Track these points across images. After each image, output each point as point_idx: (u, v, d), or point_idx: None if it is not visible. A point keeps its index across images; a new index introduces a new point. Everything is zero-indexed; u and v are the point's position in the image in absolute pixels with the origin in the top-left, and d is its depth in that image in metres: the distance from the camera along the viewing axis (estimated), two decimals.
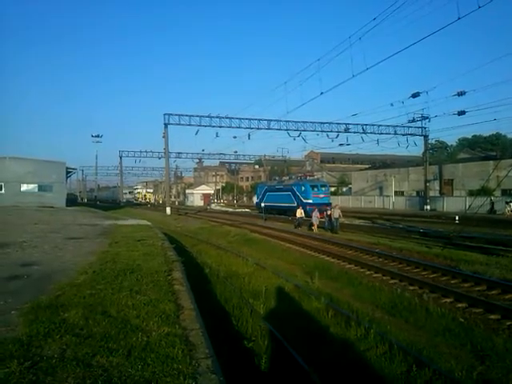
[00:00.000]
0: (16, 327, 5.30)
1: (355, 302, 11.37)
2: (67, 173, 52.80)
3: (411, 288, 12.79)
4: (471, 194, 44.78)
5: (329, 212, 29.41)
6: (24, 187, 47.98)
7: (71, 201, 66.10)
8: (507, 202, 37.71)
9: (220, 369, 4.36)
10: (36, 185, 48.39)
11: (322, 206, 35.35)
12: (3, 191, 46.79)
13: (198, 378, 4.02)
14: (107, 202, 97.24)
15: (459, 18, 15.84)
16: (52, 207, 43.28)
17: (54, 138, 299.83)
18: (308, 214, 37.32)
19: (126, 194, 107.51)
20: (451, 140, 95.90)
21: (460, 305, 10.87)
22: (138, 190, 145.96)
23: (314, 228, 29.07)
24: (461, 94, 39.32)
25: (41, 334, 4.95)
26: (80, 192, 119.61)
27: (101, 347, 4.61)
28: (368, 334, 8.30)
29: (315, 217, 29.26)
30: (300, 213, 32.49)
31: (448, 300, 11.33)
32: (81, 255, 11.70)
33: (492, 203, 39.88)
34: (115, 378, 3.89)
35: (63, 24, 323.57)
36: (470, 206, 28.85)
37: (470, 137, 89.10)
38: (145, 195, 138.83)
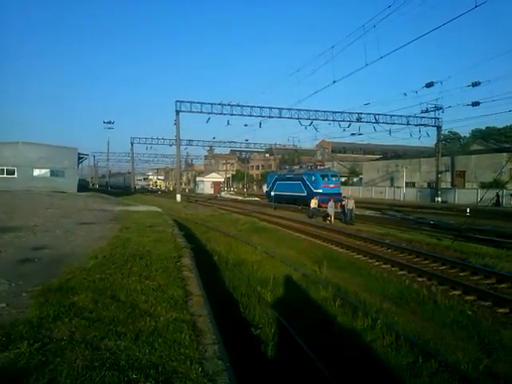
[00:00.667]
0: (26, 309, 5.38)
1: (363, 292, 11.37)
2: (79, 159, 53.08)
3: (420, 280, 12.76)
4: (483, 186, 44.30)
5: (343, 202, 28.60)
6: (36, 172, 48.40)
7: (83, 186, 66.57)
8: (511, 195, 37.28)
9: (227, 355, 4.41)
10: (48, 170, 48.78)
11: (334, 197, 35.31)
12: (16, 176, 47.23)
13: (204, 363, 4.06)
14: (119, 188, 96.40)
15: (476, 7, 15.54)
16: (64, 192, 43.60)
17: (67, 124, 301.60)
18: (318, 204, 37.31)
19: (140, 180, 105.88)
20: (464, 131, 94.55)
21: (468, 297, 10.83)
22: (150, 177, 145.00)
23: (330, 219, 28.16)
24: (475, 84, 38.76)
25: (50, 317, 5.03)
26: (92, 178, 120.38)
27: (109, 331, 4.67)
28: (375, 325, 8.31)
29: (331, 207, 28.38)
30: (314, 203, 31.50)
31: (457, 292, 11.29)
32: (91, 240, 11.81)
33: (497, 196, 39.49)
34: (122, 361, 3.94)
35: (77, 10, 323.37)
36: (481, 199, 28.55)
37: (483, 128, 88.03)
38: (155, 182, 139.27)
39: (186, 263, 9.07)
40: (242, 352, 6.63)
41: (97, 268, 7.86)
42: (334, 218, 28.19)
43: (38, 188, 44.08)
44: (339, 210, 28.84)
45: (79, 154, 52.25)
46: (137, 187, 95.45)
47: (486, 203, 25.62)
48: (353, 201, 27.88)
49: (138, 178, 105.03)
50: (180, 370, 3.85)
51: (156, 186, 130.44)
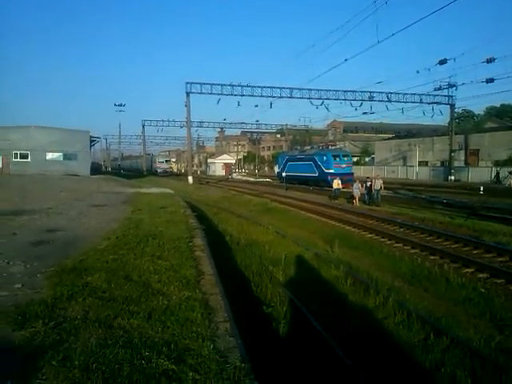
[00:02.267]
0: (41, 289, 5.48)
1: (375, 271, 11.35)
2: (91, 142, 53.39)
3: (432, 258, 12.72)
4: (497, 164, 43.75)
5: (369, 183, 26.83)
6: (49, 156, 48.85)
7: (95, 169, 67.08)
8: (510, 173, 36.77)
9: (238, 332, 4.46)
10: (61, 153, 49.21)
11: (345, 176, 35.12)
12: (29, 159, 47.73)
13: (216, 340, 4.12)
14: (131, 171, 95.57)
15: None
16: (77, 175, 44.03)
17: (78, 108, 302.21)
18: (329, 184, 37.18)
19: (161, 162, 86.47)
20: (478, 109, 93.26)
21: (481, 275, 10.77)
22: (172, 160, 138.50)
23: (355, 201, 26.54)
24: (490, 60, 37.88)
25: (65, 297, 5.12)
26: (104, 161, 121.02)
27: (122, 310, 4.75)
28: (386, 303, 8.32)
29: (357, 189, 26.59)
30: (337, 183, 29.70)
31: (469, 270, 11.24)
32: (104, 222, 11.94)
33: (497, 173, 39.07)
34: (135, 339, 4.01)
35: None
36: (495, 177, 28.23)
37: (498, 106, 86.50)
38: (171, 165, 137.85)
39: (198, 243, 9.14)
40: (254, 330, 6.70)
41: (110, 249, 7.96)
42: (359, 200, 26.76)
43: (52, 171, 44.54)
44: (365, 191, 27.00)
45: (91, 137, 52.53)
46: (158, 171, 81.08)
47: (504, 181, 25.31)
48: (381, 181, 26.51)
49: (160, 160, 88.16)
50: (192, 348, 3.91)
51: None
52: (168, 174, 79.31)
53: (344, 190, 30.68)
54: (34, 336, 4.01)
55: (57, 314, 4.60)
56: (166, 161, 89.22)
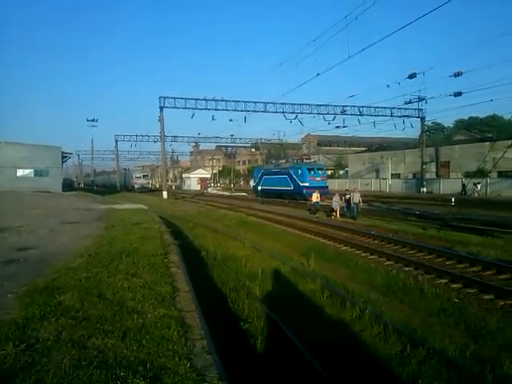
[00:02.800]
0: (12, 310, 5.32)
1: (351, 283, 11.44)
2: (63, 157, 52.53)
3: (406, 269, 12.88)
4: (468, 175, 44.80)
5: (347, 196, 26.65)
6: (20, 172, 47.76)
7: (68, 186, 65.96)
8: (475, 184, 37.89)
9: (215, 349, 4.41)
10: (32, 170, 48.18)
11: (320, 189, 35.45)
12: None
13: (193, 358, 4.06)
14: (104, 187, 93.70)
15: None
16: (48, 192, 43.14)
17: (49, 123, 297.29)
18: (304, 197, 37.48)
19: (139, 178, 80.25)
20: (448, 122, 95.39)
21: (455, 285, 10.96)
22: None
23: (336, 215, 26.33)
24: (457, 74, 39.05)
25: (36, 317, 4.98)
26: (76, 177, 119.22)
27: (96, 329, 4.64)
28: (363, 315, 8.37)
29: (336, 202, 26.44)
30: (316, 197, 28.82)
31: (443, 281, 11.41)
32: (77, 239, 11.72)
33: (463, 185, 40.40)
34: (110, 359, 3.92)
35: (62, 8, 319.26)
36: (462, 189, 28.87)
37: (466, 118, 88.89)
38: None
39: (173, 260, 9.04)
40: (231, 346, 6.64)
41: (83, 267, 7.80)
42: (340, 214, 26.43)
43: (22, 188, 43.49)
44: (344, 204, 26.82)
45: (63, 152, 51.68)
46: (136, 186, 76.42)
47: (469, 193, 25.90)
48: (358, 194, 26.42)
49: (137, 175, 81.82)
50: (168, 366, 3.84)
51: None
52: (146, 189, 75.00)
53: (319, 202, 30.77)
54: (3, 359, 3.87)
55: (28, 335, 4.47)
56: (144, 176, 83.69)
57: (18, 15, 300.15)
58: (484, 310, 9.13)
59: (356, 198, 25.69)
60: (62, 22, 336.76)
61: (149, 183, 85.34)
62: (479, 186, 38.86)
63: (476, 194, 37.67)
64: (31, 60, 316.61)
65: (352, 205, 25.81)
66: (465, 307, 9.26)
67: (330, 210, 27.56)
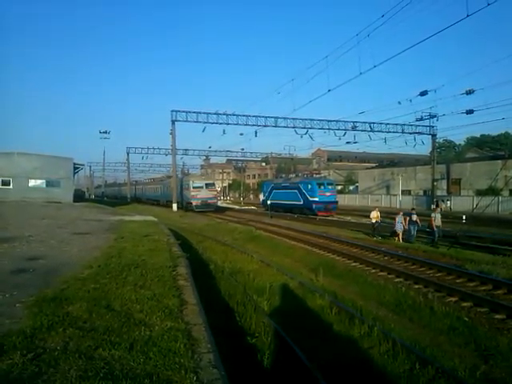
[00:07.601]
0: (20, 320, 5.34)
1: (359, 299, 11.35)
2: (75, 169, 52.97)
3: (416, 287, 12.74)
4: (479, 193, 44.46)
5: (414, 217, 22.00)
6: (32, 182, 48.24)
7: (79, 197, 66.37)
8: (443, 200, 38.33)
9: (221, 363, 4.38)
10: (44, 180, 48.64)
11: (330, 204, 35.55)
12: (11, 186, 47.06)
13: (199, 371, 4.04)
14: (116, 198, 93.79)
15: (468, 16, 15.64)
16: (59, 203, 43.49)
17: (62, 135, 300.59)
18: (314, 212, 37.50)
19: (200, 188, 49.54)
20: (459, 139, 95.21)
21: (465, 304, 10.82)
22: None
23: (398, 239, 22.37)
24: (469, 92, 38.87)
25: (44, 327, 5.00)
26: (87, 188, 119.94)
27: (103, 340, 4.65)
28: (372, 332, 8.29)
29: (400, 223, 22.35)
30: (376, 216, 24.62)
31: (453, 299, 11.28)
32: (86, 250, 11.76)
33: (436, 202, 42.04)
34: (117, 370, 3.91)
35: (72, 18, 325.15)
36: (477, 206, 28.61)
37: (478, 136, 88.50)
38: None
39: (181, 272, 9.03)
40: (238, 360, 6.59)
41: (91, 278, 7.82)
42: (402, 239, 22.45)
43: (34, 198, 43.94)
44: (411, 226, 22.05)
45: (75, 164, 52.16)
46: (194, 203, 48.58)
47: (481, 210, 25.65)
48: (415, 215, 22.25)
49: (196, 184, 51.45)
50: (175, 379, 3.82)
51: None
52: (213, 208, 49.13)
53: (328, 217, 30.54)
54: (11, 368, 3.88)
55: (36, 345, 4.48)
56: (207, 185, 50.96)
57: (37, 28, 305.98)
58: (495, 330, 8.99)
59: (414, 218, 22.08)
60: (75, 36, 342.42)
61: (216, 196, 55.79)
62: (448, 203, 42.11)
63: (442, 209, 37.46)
64: (46, 74, 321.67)
65: (435, 228, 21.37)
66: (475, 326, 9.13)
67: (390, 234, 23.62)
